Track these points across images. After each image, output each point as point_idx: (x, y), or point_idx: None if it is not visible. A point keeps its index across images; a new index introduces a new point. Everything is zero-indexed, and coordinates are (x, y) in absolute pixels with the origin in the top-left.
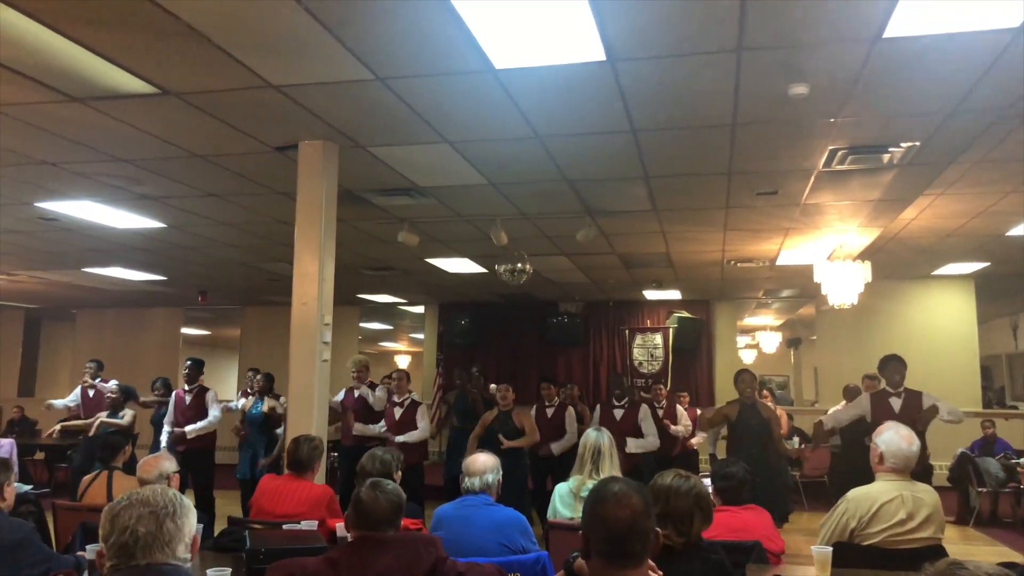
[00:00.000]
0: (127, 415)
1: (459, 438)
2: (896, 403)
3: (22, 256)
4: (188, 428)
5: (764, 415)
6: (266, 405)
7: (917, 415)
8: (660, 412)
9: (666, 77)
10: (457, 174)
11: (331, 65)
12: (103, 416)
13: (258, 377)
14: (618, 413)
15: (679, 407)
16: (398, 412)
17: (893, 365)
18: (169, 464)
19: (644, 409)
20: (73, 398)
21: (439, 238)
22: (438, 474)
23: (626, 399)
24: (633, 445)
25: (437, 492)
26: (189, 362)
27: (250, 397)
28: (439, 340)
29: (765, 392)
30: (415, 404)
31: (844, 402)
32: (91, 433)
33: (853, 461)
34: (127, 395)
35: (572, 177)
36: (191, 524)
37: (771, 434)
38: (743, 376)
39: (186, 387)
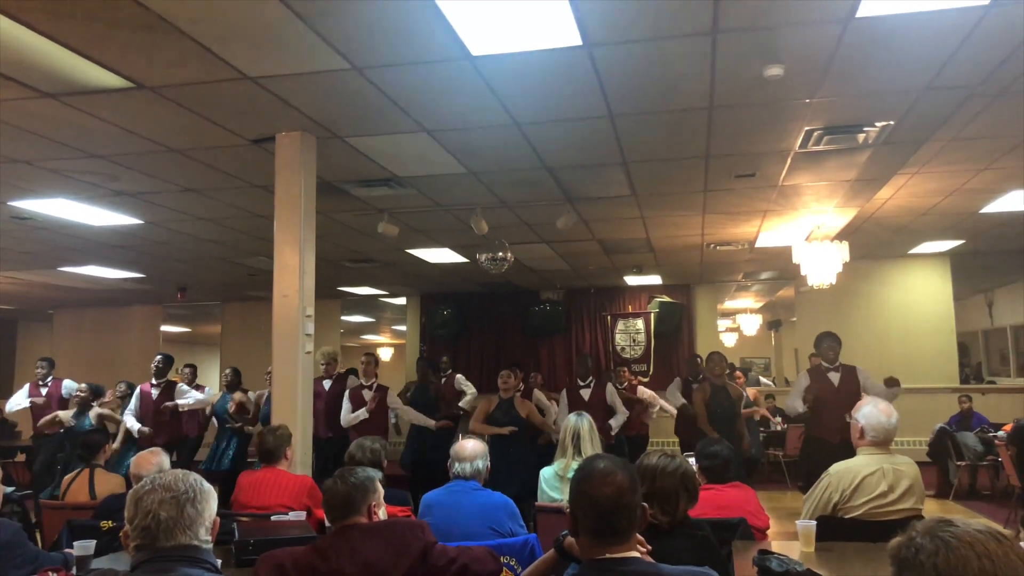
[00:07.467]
0: (94, 414)
1: (417, 429)
2: (834, 377)
3: None
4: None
5: (733, 395)
6: (236, 399)
7: (856, 388)
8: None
9: (642, 61)
10: (436, 163)
11: (307, 55)
12: (62, 415)
13: (226, 372)
14: (585, 393)
15: (640, 386)
16: (367, 395)
17: (827, 342)
18: (165, 459)
19: (610, 387)
20: (22, 397)
21: (419, 228)
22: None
23: (590, 379)
24: (613, 424)
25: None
26: (160, 356)
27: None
28: (422, 332)
29: (738, 373)
30: (381, 388)
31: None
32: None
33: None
34: (96, 394)
35: (551, 164)
36: (211, 509)
37: (738, 413)
38: (713, 357)
39: (154, 381)
